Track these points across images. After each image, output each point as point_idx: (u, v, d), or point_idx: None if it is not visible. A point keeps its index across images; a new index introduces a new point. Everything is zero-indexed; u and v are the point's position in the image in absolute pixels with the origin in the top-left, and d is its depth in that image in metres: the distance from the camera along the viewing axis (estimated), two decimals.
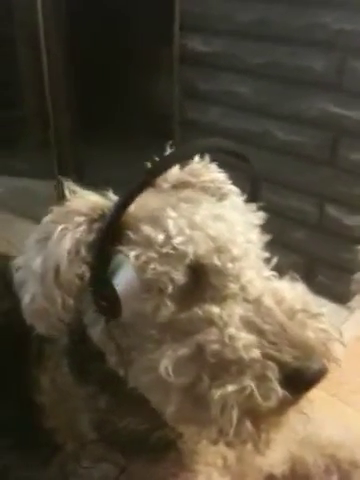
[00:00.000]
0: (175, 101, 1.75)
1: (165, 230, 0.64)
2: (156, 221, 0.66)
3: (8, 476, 0.98)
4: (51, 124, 2.09)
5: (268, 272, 0.71)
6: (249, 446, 0.64)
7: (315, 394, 1.24)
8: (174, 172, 0.77)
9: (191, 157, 0.75)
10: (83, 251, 0.66)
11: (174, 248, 0.63)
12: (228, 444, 0.64)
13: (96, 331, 0.71)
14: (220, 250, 0.64)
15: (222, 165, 0.82)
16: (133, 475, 0.79)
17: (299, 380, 0.59)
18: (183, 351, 0.62)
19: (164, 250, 0.63)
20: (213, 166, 0.80)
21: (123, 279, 0.65)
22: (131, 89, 1.96)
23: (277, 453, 0.96)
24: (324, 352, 0.62)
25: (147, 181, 0.64)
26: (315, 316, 0.64)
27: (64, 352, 0.83)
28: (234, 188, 0.80)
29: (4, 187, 2.12)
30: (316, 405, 1.19)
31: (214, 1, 1.54)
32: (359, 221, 1.49)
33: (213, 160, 0.81)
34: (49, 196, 1.88)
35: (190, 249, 0.63)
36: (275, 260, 0.72)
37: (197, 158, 0.79)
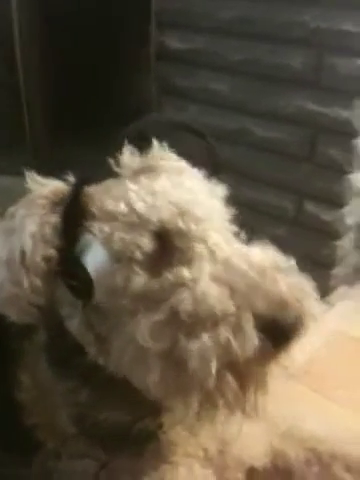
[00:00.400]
0: (153, 98, 1.75)
1: (127, 202, 0.66)
2: (117, 195, 0.67)
3: None
4: (26, 122, 2.07)
5: (238, 243, 0.71)
6: (236, 409, 0.64)
7: (296, 389, 1.26)
8: (133, 160, 0.76)
9: (150, 131, 0.77)
10: (48, 233, 0.66)
11: (138, 215, 0.64)
12: (213, 406, 0.63)
13: (74, 323, 0.71)
14: (183, 213, 0.65)
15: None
16: (113, 470, 0.78)
17: (276, 330, 0.59)
18: (157, 316, 0.62)
19: (128, 219, 0.65)
20: (172, 154, 0.80)
21: (92, 256, 0.66)
22: (108, 86, 1.95)
23: (258, 446, 0.96)
24: (299, 306, 0.62)
25: (106, 158, 0.67)
26: (286, 271, 0.65)
27: (42, 348, 0.82)
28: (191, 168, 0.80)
29: None
30: (298, 399, 1.22)
31: None
32: (337, 217, 1.51)
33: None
34: (24, 193, 1.86)
35: (154, 215, 0.64)
36: (243, 235, 0.72)
37: (156, 144, 0.79)
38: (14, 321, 0.70)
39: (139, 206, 0.65)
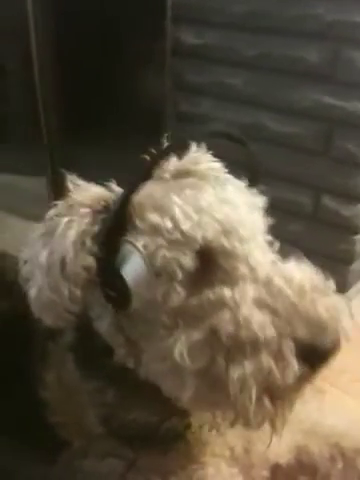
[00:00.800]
0: (167, 94, 1.74)
1: (172, 217, 0.64)
2: (162, 209, 0.66)
3: (15, 475, 0.98)
4: (42, 120, 2.06)
5: (272, 255, 0.71)
6: (266, 426, 0.64)
7: (315, 384, 1.26)
8: (173, 162, 0.76)
9: (189, 144, 0.75)
10: (89, 242, 0.66)
11: (182, 234, 0.63)
12: (246, 425, 0.64)
13: (103, 324, 0.71)
14: (228, 232, 0.65)
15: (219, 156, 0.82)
16: (141, 469, 0.78)
17: (315, 355, 0.59)
18: (197, 335, 0.62)
19: (172, 237, 0.63)
20: (209, 155, 0.80)
21: (131, 269, 0.65)
22: (123, 82, 1.95)
23: (283, 443, 0.97)
24: (336, 327, 0.62)
25: (151, 168, 0.65)
26: (324, 292, 0.65)
27: (69, 348, 0.82)
28: (230, 176, 0.79)
29: None
30: (317, 395, 1.21)
31: None
32: (355, 211, 1.50)
33: (209, 150, 0.81)
34: (38, 193, 1.86)
35: (198, 234, 0.63)
36: (277, 245, 0.72)
37: (194, 147, 0.78)
38: (47, 325, 0.71)
39: (184, 224, 0.63)
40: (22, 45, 1.97)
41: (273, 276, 0.64)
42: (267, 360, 0.59)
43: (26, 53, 1.94)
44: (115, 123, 2.02)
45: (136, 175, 0.65)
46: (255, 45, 1.50)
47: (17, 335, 0.90)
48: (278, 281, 0.63)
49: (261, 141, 1.60)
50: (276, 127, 1.56)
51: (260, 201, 0.74)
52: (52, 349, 0.87)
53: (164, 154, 0.67)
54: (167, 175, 0.75)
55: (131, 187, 0.64)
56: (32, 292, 0.68)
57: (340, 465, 0.99)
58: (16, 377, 0.92)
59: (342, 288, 1.58)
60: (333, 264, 1.57)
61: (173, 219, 0.64)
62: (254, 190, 0.76)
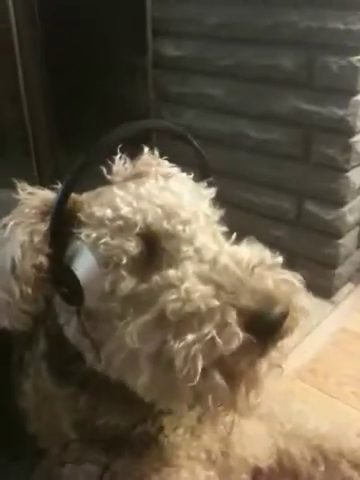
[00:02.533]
0: (151, 106, 1.76)
1: (112, 206, 0.67)
2: (104, 202, 0.68)
3: None
4: (29, 134, 2.08)
5: (226, 242, 0.72)
6: (227, 408, 0.64)
7: (301, 387, 1.26)
8: (123, 167, 0.79)
9: (128, 137, 0.73)
10: (37, 241, 0.67)
11: (123, 220, 0.65)
12: (203, 405, 0.63)
13: (71, 329, 0.72)
14: (168, 215, 0.66)
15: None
16: (116, 473, 0.78)
17: (261, 323, 0.59)
18: (146, 317, 0.63)
19: (114, 224, 0.65)
20: (163, 161, 0.83)
21: (81, 263, 0.67)
22: (107, 95, 1.97)
23: (263, 446, 0.96)
24: (287, 301, 0.62)
25: (86, 162, 0.66)
26: (272, 267, 0.65)
27: (43, 357, 0.83)
28: (177, 171, 0.82)
29: None
30: (302, 398, 1.21)
31: (182, 5, 1.57)
32: (338, 215, 1.51)
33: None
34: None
35: (138, 217, 0.65)
36: (234, 236, 0.72)
37: (145, 149, 0.81)
38: (8, 329, 0.71)
39: (124, 210, 0.66)
40: (7, 59, 2.00)
41: (219, 255, 0.64)
42: (209, 329, 0.58)
43: (11, 67, 1.97)
44: (101, 135, 2.03)
45: (72, 169, 0.66)
46: (231, 55, 1.52)
47: None
48: (225, 259, 0.63)
49: (242, 149, 1.62)
50: (256, 135, 1.57)
51: (207, 192, 0.75)
52: (28, 358, 0.87)
53: (100, 147, 0.68)
54: (119, 179, 0.77)
55: (68, 181, 0.66)
56: None
57: (322, 468, 0.98)
58: None
59: (328, 292, 1.58)
60: (319, 269, 1.59)
61: (113, 208, 0.66)
62: (202, 183, 0.77)
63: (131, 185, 0.71)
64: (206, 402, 0.62)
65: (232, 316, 0.58)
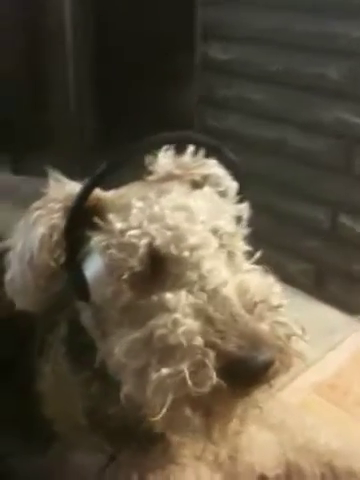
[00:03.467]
0: (195, 108, 1.77)
1: (125, 220, 0.67)
2: (121, 210, 0.69)
3: (8, 462, 1.01)
4: (76, 129, 2.14)
5: (245, 264, 0.72)
6: (202, 437, 0.65)
7: (318, 402, 1.24)
8: (164, 164, 0.78)
9: (154, 149, 0.75)
10: (56, 236, 0.69)
11: (129, 238, 0.66)
12: (173, 431, 0.65)
13: (85, 317, 0.74)
14: (177, 239, 0.66)
15: None
16: (121, 464, 0.79)
17: (240, 370, 0.58)
18: (136, 335, 0.63)
19: (122, 238, 0.66)
20: (211, 161, 0.80)
21: (90, 264, 0.69)
22: (152, 96, 1.99)
23: (272, 456, 0.95)
24: (278, 346, 0.61)
25: (106, 170, 0.67)
26: (275, 308, 0.64)
27: (62, 341, 0.85)
28: (233, 184, 0.79)
29: (28, 186, 2.18)
30: (318, 413, 1.20)
31: (232, 9, 1.57)
32: None
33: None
34: None
35: (143, 242, 0.65)
36: (259, 254, 0.72)
37: (189, 151, 0.79)
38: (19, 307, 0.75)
39: (132, 232, 0.66)
40: (59, 56, 2.06)
41: (223, 285, 0.63)
42: (184, 367, 0.58)
43: (63, 64, 2.03)
44: (145, 135, 2.06)
45: (93, 175, 0.67)
46: (279, 61, 1.51)
47: (20, 327, 0.94)
48: (227, 291, 0.62)
49: (283, 157, 1.60)
50: (299, 143, 1.56)
51: (236, 208, 0.75)
52: (50, 342, 0.90)
53: (123, 158, 0.69)
54: (153, 178, 0.77)
55: (86, 186, 0.68)
56: (7, 276, 0.73)
57: None
58: (16, 369, 0.95)
59: (356, 308, 1.55)
60: (348, 284, 1.56)
61: (125, 222, 0.67)
62: (235, 197, 0.77)
63: (151, 196, 0.70)
64: (177, 430, 0.64)
65: (210, 359, 0.58)
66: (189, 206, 0.69)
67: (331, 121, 1.47)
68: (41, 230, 0.69)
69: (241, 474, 0.89)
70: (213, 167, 0.80)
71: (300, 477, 0.98)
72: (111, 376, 0.75)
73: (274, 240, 1.48)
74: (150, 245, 0.65)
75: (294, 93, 1.52)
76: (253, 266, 0.72)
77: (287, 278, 1.60)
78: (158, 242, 0.65)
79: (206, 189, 0.76)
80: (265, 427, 0.96)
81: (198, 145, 0.76)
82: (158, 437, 0.79)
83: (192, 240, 0.66)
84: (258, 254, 0.73)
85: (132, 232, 0.66)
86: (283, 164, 1.61)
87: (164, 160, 0.78)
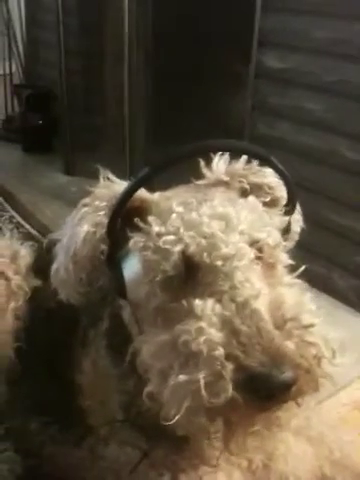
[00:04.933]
0: (247, 115, 1.77)
1: (163, 224, 0.68)
2: (162, 214, 0.70)
3: (43, 450, 1.03)
4: (126, 133, 2.18)
5: (288, 278, 0.71)
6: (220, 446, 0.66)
7: (357, 417, 1.21)
8: (216, 169, 0.78)
9: (199, 155, 0.75)
10: (100, 233, 0.71)
11: (167, 242, 0.66)
12: (193, 438, 0.67)
13: (126, 313, 0.76)
14: (211, 248, 0.65)
15: None
16: (155, 461, 0.79)
17: (259, 386, 0.57)
18: (163, 337, 0.64)
19: (158, 242, 0.67)
20: (268, 170, 0.79)
21: (129, 263, 0.70)
22: (206, 102, 2.01)
23: (306, 467, 0.93)
24: (302, 365, 0.60)
25: (150, 174, 0.68)
26: (305, 327, 0.62)
27: (104, 335, 0.87)
28: (284, 194, 0.78)
29: (77, 187, 2.24)
30: (356, 428, 1.16)
31: (291, 17, 1.56)
32: None
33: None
34: None
35: (177, 248, 0.65)
36: (303, 267, 0.71)
37: (242, 160, 0.78)
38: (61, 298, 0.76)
39: (167, 238, 0.66)
40: (116, 61, 2.10)
41: (254, 298, 0.62)
42: (200, 376, 0.58)
43: (119, 70, 2.07)
44: (196, 139, 2.07)
45: (136, 178, 0.69)
46: (336, 71, 1.49)
47: (66, 318, 0.96)
48: (257, 304, 0.62)
49: (335, 168, 1.58)
50: (351, 154, 1.53)
51: (280, 220, 0.74)
52: (92, 336, 0.91)
53: (167, 161, 0.69)
54: (204, 182, 0.77)
55: (128, 189, 0.69)
56: (53, 268, 0.75)
57: None
58: (58, 360, 0.98)
59: None
60: None
61: (163, 227, 0.68)
62: (279, 209, 0.76)
63: (193, 202, 0.70)
64: (193, 436, 0.65)
65: (228, 371, 0.57)
66: (228, 215, 0.68)
67: None
68: (86, 226, 0.71)
69: None
70: (269, 176, 0.79)
71: None
72: None
73: (323, 253, 1.46)
74: (183, 252, 0.65)
75: (349, 104, 1.50)
76: (294, 280, 0.71)
77: (336, 293, 1.58)
78: (191, 249, 0.65)
79: (251, 199, 0.75)
80: (303, 438, 0.94)
81: (244, 154, 0.75)
82: (191, 437, 0.79)
83: (225, 250, 0.65)
84: (302, 268, 0.72)
85: (167, 238, 0.66)
86: (333, 175, 1.59)
87: (217, 165, 0.78)
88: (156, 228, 0.68)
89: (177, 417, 0.60)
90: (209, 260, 0.65)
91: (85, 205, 0.74)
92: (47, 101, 2.89)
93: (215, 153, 0.76)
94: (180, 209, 0.69)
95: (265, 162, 0.75)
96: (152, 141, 2.21)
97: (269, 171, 0.79)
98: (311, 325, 0.63)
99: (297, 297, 0.66)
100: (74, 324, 0.96)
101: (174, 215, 0.68)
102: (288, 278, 0.71)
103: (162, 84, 2.09)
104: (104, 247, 0.71)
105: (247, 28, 1.67)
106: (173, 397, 0.60)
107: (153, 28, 2.05)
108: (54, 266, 0.75)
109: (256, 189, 0.79)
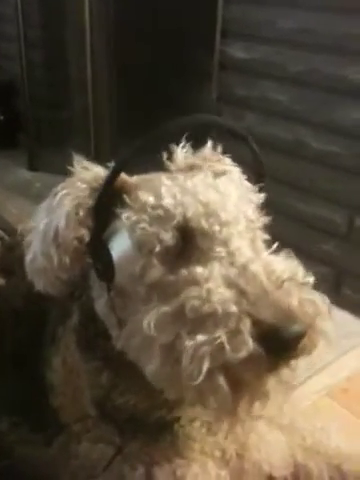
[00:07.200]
0: (213, 107, 1.77)
1: (157, 194, 0.68)
2: (151, 188, 0.69)
3: (13, 452, 1.01)
4: (91, 126, 2.15)
5: (265, 250, 0.71)
6: (228, 413, 0.64)
7: (330, 405, 1.23)
8: (183, 157, 0.78)
9: (184, 131, 0.75)
10: (82, 214, 0.69)
11: (164, 209, 0.66)
12: (204, 404, 0.63)
13: (100, 303, 0.73)
14: (209, 214, 0.66)
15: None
16: (129, 456, 0.79)
17: (274, 339, 0.58)
18: (166, 308, 0.63)
19: (154, 212, 0.66)
20: (225, 158, 0.81)
21: (118, 242, 0.68)
22: (169, 92, 2.00)
23: (280, 456, 0.94)
24: (307, 322, 0.61)
25: (139, 147, 0.67)
26: (302, 286, 0.64)
27: (73, 330, 0.85)
28: (234, 170, 0.80)
29: (42, 182, 2.20)
30: (329, 415, 1.18)
31: (255, 8, 1.56)
32: None
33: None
34: None
35: (178, 211, 0.65)
36: (275, 246, 0.72)
37: (208, 144, 0.80)
38: (53, 302, 0.76)
39: (167, 201, 0.66)
40: (78, 51, 2.07)
41: (251, 262, 0.64)
42: (221, 333, 0.58)
43: (81, 60, 2.04)
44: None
45: (126, 151, 0.67)
46: (301, 61, 1.50)
47: (33, 317, 0.94)
48: (255, 267, 0.63)
49: (301, 158, 1.59)
50: (317, 145, 1.55)
51: (256, 197, 0.75)
52: (61, 333, 0.90)
53: (156, 134, 0.68)
54: (174, 168, 0.77)
55: (119, 162, 0.68)
56: (28, 257, 0.72)
57: None
58: (27, 359, 0.95)
59: None
60: None
61: (157, 196, 0.67)
62: (254, 187, 0.76)
63: (180, 177, 0.71)
64: (207, 403, 0.62)
65: (246, 325, 0.58)
66: (220, 187, 0.70)
67: (351, 123, 1.45)
68: (67, 208, 0.69)
69: (248, 472, 0.88)
70: (229, 164, 0.81)
71: (308, 479, 0.96)
72: (121, 367, 0.75)
73: (290, 242, 1.46)
74: (183, 216, 0.65)
75: (314, 94, 1.51)
76: (269, 253, 0.71)
77: None
78: (190, 214, 0.65)
79: (235, 175, 0.77)
80: (275, 427, 0.95)
81: (226, 131, 0.75)
82: (166, 429, 0.78)
83: (224, 216, 0.66)
84: (273, 247, 0.72)
85: (167, 202, 0.66)
86: (300, 165, 1.60)
87: (182, 153, 0.79)
88: (150, 198, 0.67)
89: (199, 380, 0.59)
90: (207, 225, 0.65)
91: (63, 188, 0.71)
92: (8, 95, 2.83)
93: (198, 128, 0.74)
94: (169, 182, 0.69)
95: (244, 141, 0.75)
96: (118, 134, 2.19)
97: (228, 160, 0.81)
98: (307, 283, 0.65)
99: (286, 262, 0.67)
100: (42, 321, 0.94)
101: (164, 188, 0.68)
102: (266, 252, 0.71)
103: (126, 76, 2.07)
104: (84, 230, 0.69)
105: (210, 18, 1.66)
106: (193, 359, 0.59)
107: (115, 19, 2.03)
108: (29, 255, 0.72)
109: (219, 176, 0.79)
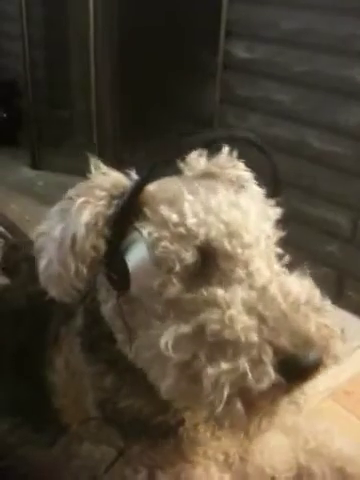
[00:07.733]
0: (215, 106, 1.77)
1: (180, 211, 0.66)
2: (173, 203, 0.68)
3: (14, 453, 1.00)
4: (94, 125, 2.15)
5: (279, 267, 0.71)
6: (239, 431, 0.64)
7: (332, 407, 1.22)
8: (199, 162, 0.78)
9: (211, 143, 0.75)
10: (100, 224, 0.68)
11: (186, 228, 0.65)
12: (217, 423, 0.64)
13: (107, 307, 0.73)
14: (232, 235, 0.65)
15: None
16: (131, 458, 0.78)
17: (294, 367, 0.59)
18: (184, 329, 0.63)
19: (177, 230, 0.65)
20: (240, 163, 0.81)
21: (135, 254, 0.67)
22: (173, 92, 1.99)
23: (283, 459, 0.94)
24: (323, 346, 0.62)
25: (166, 161, 0.67)
26: (319, 310, 0.64)
27: (78, 332, 0.84)
28: (252, 183, 0.80)
29: (44, 181, 2.19)
30: (332, 418, 1.18)
31: (259, 8, 1.56)
32: None
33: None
34: None
35: (202, 231, 0.64)
36: (287, 257, 0.72)
37: (225, 151, 0.79)
38: (56, 303, 0.73)
39: (190, 221, 0.65)
40: (81, 53, 2.07)
41: (270, 285, 0.63)
42: (243, 363, 0.58)
43: (85, 61, 2.03)
44: (164, 131, 2.06)
45: (152, 164, 0.66)
46: (304, 62, 1.50)
47: (35, 317, 0.94)
48: (274, 290, 0.63)
49: (304, 158, 1.59)
50: (320, 145, 1.54)
51: (273, 212, 0.74)
52: (64, 333, 0.89)
53: (183, 148, 0.69)
54: (190, 173, 0.77)
55: (146, 176, 0.66)
56: (42, 263, 0.70)
57: None
58: (29, 359, 0.95)
59: None
60: None
61: (180, 213, 0.66)
62: (271, 201, 0.76)
63: (202, 191, 0.69)
64: (221, 423, 0.63)
65: (268, 355, 0.59)
66: (241, 205, 0.69)
67: (354, 124, 1.45)
68: (87, 216, 0.68)
69: (251, 475, 0.88)
70: (243, 170, 0.80)
71: None
72: (126, 371, 0.75)
73: (293, 243, 1.46)
74: (206, 236, 0.65)
75: (318, 95, 1.51)
76: (283, 269, 0.71)
77: None
78: (213, 234, 0.65)
79: (253, 190, 0.77)
80: (277, 430, 0.95)
81: (245, 143, 0.74)
82: (170, 433, 0.78)
83: (246, 237, 0.66)
84: (287, 258, 0.72)
85: (191, 221, 0.65)
86: (303, 166, 1.60)
87: (198, 159, 0.78)
88: (173, 216, 0.66)
89: (221, 407, 0.59)
90: (230, 247, 0.65)
91: (80, 195, 0.70)
92: (11, 94, 2.83)
93: (218, 143, 0.75)
94: (191, 197, 0.68)
95: (259, 150, 0.74)
96: (120, 133, 2.19)
97: (241, 165, 0.80)
98: (323, 307, 0.65)
99: (301, 283, 0.67)
100: (45, 322, 0.94)
101: (187, 203, 0.67)
102: (278, 267, 0.71)
103: (129, 76, 2.06)
104: (102, 240, 0.68)
105: (214, 18, 1.65)
106: (215, 386, 0.60)
107: (119, 19, 2.02)
108: (43, 262, 0.70)
109: (233, 179, 0.79)
